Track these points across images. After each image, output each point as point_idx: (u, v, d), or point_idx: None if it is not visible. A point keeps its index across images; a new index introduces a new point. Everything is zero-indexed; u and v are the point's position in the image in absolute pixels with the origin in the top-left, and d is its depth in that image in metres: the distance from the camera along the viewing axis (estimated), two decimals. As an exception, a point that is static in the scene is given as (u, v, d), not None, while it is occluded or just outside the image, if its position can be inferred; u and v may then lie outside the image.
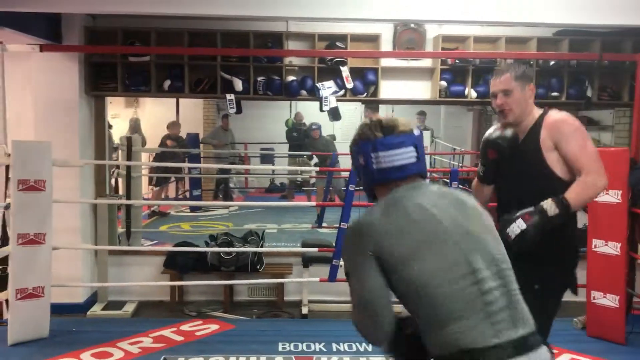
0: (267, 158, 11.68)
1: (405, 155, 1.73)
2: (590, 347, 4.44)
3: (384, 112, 10.77)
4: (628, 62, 5.34)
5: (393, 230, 1.62)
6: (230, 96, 5.30)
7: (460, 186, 8.50)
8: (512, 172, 2.63)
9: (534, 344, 1.59)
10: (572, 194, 2.43)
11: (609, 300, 4.52)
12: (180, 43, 5.30)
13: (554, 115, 2.59)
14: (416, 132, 1.79)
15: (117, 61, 5.28)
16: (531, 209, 2.43)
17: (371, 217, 1.68)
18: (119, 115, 10.98)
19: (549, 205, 2.41)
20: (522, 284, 1.71)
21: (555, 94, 5.48)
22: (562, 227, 2.48)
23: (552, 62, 5.45)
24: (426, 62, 5.59)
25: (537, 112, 2.65)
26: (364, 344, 4.41)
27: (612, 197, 4.46)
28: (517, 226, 2.41)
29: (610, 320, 4.53)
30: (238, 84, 5.32)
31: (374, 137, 1.75)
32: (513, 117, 2.61)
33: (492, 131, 2.68)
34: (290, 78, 5.43)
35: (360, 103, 6.03)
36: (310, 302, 5.29)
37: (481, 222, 1.73)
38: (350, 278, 1.68)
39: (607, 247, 4.50)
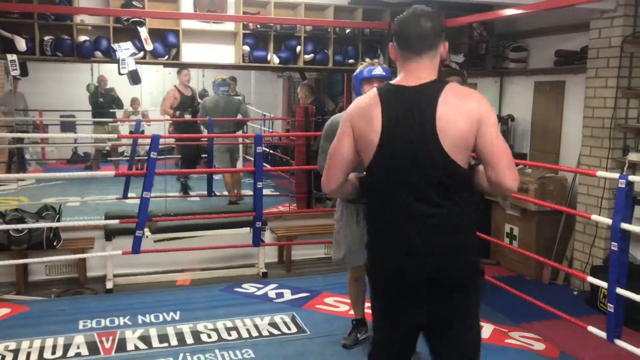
0: (68, 126, 10.77)
1: None
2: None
3: (193, 76, 10.55)
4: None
5: None
6: (12, 57, 4.77)
7: (270, 151, 8.72)
8: None
9: None
10: None
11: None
12: (-55, -6, 4.62)
13: None
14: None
15: None
16: None
17: None
18: None
19: None
20: None
21: (351, 60, 5.77)
22: None
23: (348, 30, 5.72)
24: (229, 26, 5.54)
25: None
26: (171, 314, 4.36)
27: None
28: None
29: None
30: (21, 43, 4.81)
31: None
32: None
33: None
34: (83, 38, 5.03)
35: (162, 66, 5.79)
36: (115, 276, 5.07)
37: None
38: None
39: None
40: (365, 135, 2.06)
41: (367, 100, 2.10)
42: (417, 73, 2.05)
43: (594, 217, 3.73)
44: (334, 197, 2.16)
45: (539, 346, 3.92)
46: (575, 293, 5.04)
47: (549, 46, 5.86)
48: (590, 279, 3.70)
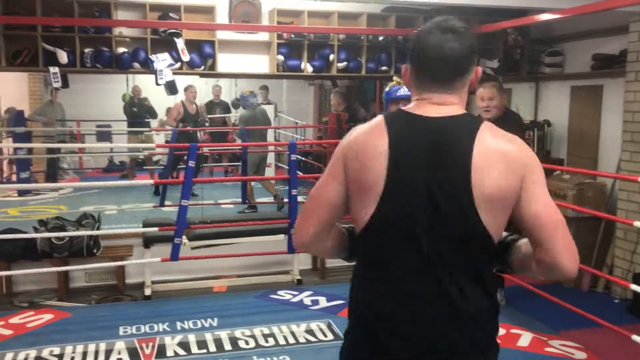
0: (103, 135, 11.01)
1: None
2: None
3: (226, 86, 10.69)
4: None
5: None
6: (54, 69, 4.92)
7: (302, 158, 8.76)
8: None
9: None
10: None
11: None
12: (-9, 10, 4.79)
13: None
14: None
15: None
16: None
17: None
18: None
19: None
20: None
21: (384, 68, 5.79)
22: None
23: (381, 38, 5.73)
24: (263, 36, 5.61)
25: None
26: (209, 320, 4.40)
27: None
28: None
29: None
30: (63, 56, 4.95)
31: None
32: None
33: None
34: (121, 50, 5.16)
35: (198, 76, 5.89)
36: (153, 282, 5.14)
37: None
38: None
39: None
40: (362, 177, 1.50)
41: (369, 130, 1.54)
42: (439, 104, 1.51)
43: (637, 223, 3.66)
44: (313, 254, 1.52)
45: (580, 355, 3.85)
46: (616, 301, 4.93)
47: (585, 50, 5.77)
48: (634, 286, 3.63)
